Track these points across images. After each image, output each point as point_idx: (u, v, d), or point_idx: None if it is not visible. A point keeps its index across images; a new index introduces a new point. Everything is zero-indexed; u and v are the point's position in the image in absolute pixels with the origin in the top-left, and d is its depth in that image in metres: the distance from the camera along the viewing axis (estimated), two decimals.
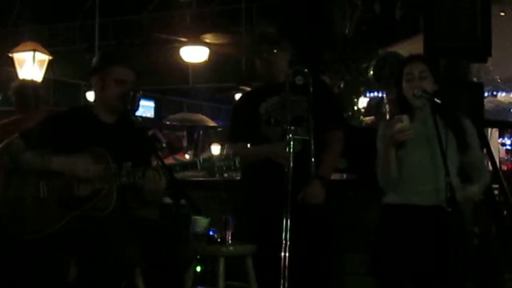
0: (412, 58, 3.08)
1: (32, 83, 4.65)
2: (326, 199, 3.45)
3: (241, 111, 3.67)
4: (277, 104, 3.49)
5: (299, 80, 3.38)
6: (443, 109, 2.90)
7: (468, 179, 3.02)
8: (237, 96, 10.89)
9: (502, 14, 6.80)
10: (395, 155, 2.94)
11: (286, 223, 3.20)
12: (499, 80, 7.16)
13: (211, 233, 3.61)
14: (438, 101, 2.85)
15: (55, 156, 2.95)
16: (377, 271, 3.01)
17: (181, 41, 9.72)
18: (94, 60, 3.24)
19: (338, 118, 3.72)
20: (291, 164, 3.26)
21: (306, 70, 3.41)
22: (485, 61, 4.78)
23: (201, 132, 12.05)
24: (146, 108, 14.55)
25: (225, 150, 3.83)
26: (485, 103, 4.50)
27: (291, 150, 3.27)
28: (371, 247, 3.02)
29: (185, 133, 11.57)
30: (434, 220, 2.88)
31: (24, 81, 5.02)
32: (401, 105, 3.05)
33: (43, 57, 6.97)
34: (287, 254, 3.18)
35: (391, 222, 2.98)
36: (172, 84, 13.53)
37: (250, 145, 3.50)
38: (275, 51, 3.49)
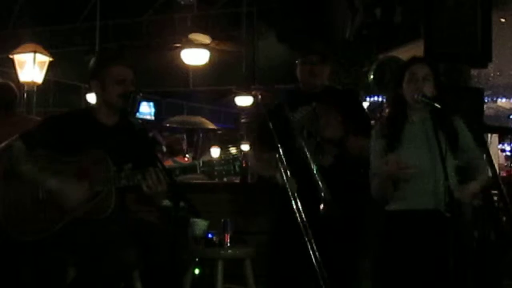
0: (417, 60, 3.07)
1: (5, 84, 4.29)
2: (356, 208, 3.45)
3: (270, 119, 3.42)
4: (308, 115, 3.49)
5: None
6: (441, 114, 2.90)
7: (467, 178, 3.01)
8: (237, 99, 10.89)
9: (503, 20, 6.81)
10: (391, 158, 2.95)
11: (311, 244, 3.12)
12: (499, 86, 7.17)
13: (209, 236, 3.61)
14: (438, 105, 2.85)
15: (50, 178, 2.95)
16: (379, 278, 3.01)
17: (181, 44, 9.71)
18: (91, 63, 3.25)
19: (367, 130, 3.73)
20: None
21: None
22: (485, 66, 4.78)
23: (201, 135, 12.06)
24: (146, 110, 14.55)
25: (248, 155, 3.81)
26: (485, 108, 4.50)
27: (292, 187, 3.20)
28: (374, 253, 3.02)
29: (184, 135, 11.57)
30: (432, 224, 2.88)
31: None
32: (398, 105, 3.04)
33: (44, 59, 6.95)
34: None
35: (394, 229, 2.98)
36: (172, 87, 13.52)
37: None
38: (324, 66, 3.58)
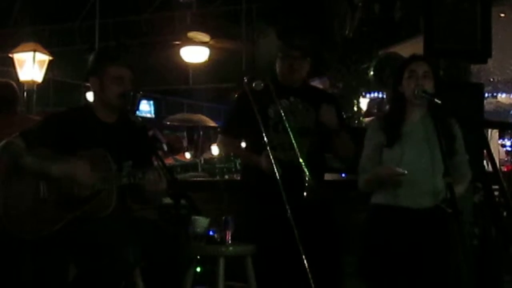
0: (417, 58, 3.09)
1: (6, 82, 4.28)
2: (329, 200, 3.47)
3: (246, 107, 3.47)
4: (286, 109, 3.48)
5: (257, 85, 3.37)
6: (440, 111, 2.91)
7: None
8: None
9: (502, 15, 6.80)
10: (391, 155, 2.96)
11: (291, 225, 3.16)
12: (499, 82, 7.16)
13: (210, 233, 3.61)
14: (438, 101, 2.85)
15: (54, 163, 2.94)
16: (365, 274, 3.00)
17: (181, 42, 9.71)
18: (89, 62, 3.25)
19: (345, 126, 3.76)
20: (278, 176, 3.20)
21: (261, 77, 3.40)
22: (485, 62, 4.77)
23: (201, 133, 12.04)
24: (146, 109, 14.55)
25: (217, 140, 3.85)
26: (485, 104, 4.49)
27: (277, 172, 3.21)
28: (359, 248, 3.02)
29: (185, 133, 11.56)
30: (432, 221, 2.88)
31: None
32: (398, 102, 3.04)
33: (43, 58, 6.97)
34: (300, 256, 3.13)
35: (381, 224, 2.97)
36: (172, 85, 13.52)
37: (252, 146, 3.50)
38: (304, 61, 3.56)
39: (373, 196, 3.05)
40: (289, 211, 3.02)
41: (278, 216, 3.15)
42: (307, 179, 3.16)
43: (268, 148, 3.17)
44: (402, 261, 2.86)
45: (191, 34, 9.65)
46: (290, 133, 3.28)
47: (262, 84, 3.29)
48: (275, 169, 3.10)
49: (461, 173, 3.03)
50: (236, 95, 3.72)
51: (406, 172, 2.83)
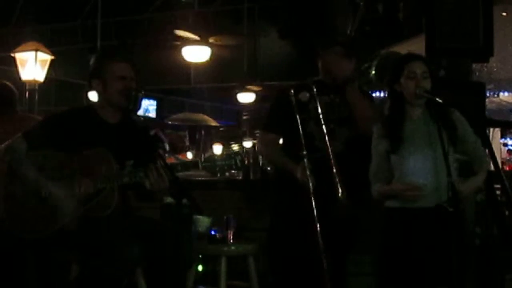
0: (414, 57, 3.07)
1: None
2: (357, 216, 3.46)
3: (287, 103, 3.38)
4: (324, 104, 3.47)
5: (303, 96, 3.34)
6: (439, 109, 2.90)
7: (470, 173, 3.01)
8: (239, 96, 10.89)
9: (504, 14, 6.78)
10: (397, 160, 2.96)
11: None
12: (501, 80, 7.15)
13: (212, 232, 3.62)
14: (440, 100, 2.85)
15: (48, 183, 2.95)
16: (383, 275, 3.00)
17: (183, 41, 9.69)
18: (92, 62, 3.26)
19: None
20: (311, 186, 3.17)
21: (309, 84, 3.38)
22: (487, 61, 4.76)
23: (202, 132, 12.06)
24: (148, 108, 14.55)
25: (258, 138, 3.81)
26: (487, 103, 4.48)
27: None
28: (376, 251, 3.02)
29: (186, 133, 11.58)
30: (435, 220, 2.88)
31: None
32: (397, 102, 3.03)
33: (45, 57, 6.95)
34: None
35: (395, 226, 2.98)
36: (174, 84, 13.52)
37: (288, 140, 3.48)
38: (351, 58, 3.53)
39: (386, 200, 3.05)
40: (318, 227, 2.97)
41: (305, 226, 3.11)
42: (340, 195, 3.08)
43: (305, 160, 3.14)
44: (416, 261, 2.87)
45: (180, 33, 9.60)
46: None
47: (308, 95, 3.27)
48: (310, 182, 3.06)
49: (478, 156, 3.03)
50: (277, 94, 3.71)
51: (423, 185, 2.84)
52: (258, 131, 3.76)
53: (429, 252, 2.86)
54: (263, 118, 3.88)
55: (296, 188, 3.22)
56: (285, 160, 3.42)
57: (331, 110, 3.47)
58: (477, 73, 5.52)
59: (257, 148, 3.62)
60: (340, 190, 3.09)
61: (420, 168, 2.91)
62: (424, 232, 2.89)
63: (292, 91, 3.19)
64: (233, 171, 4.78)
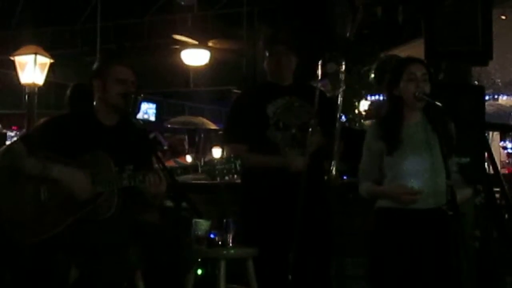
0: (414, 60, 3.07)
1: None
2: (328, 202, 3.48)
3: (243, 110, 3.55)
4: (283, 108, 3.47)
5: (330, 68, 3.34)
6: (438, 113, 2.90)
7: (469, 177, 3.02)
8: None
9: (503, 17, 6.80)
10: (392, 161, 2.95)
11: (297, 226, 3.19)
12: (500, 84, 7.16)
13: (212, 236, 3.60)
14: (439, 104, 2.84)
15: (56, 165, 2.94)
16: (375, 277, 3.00)
17: (182, 44, 9.71)
18: (94, 64, 3.26)
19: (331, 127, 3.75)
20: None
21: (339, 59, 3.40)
22: (486, 64, 4.77)
23: (202, 135, 12.04)
24: (147, 111, 14.56)
25: (224, 152, 3.82)
26: (486, 106, 4.48)
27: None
28: (368, 252, 3.02)
29: (186, 136, 11.57)
30: (433, 223, 2.87)
31: None
32: (395, 105, 3.02)
33: (45, 60, 6.96)
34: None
35: (387, 227, 2.96)
36: (173, 87, 13.54)
37: (254, 148, 3.48)
38: (291, 55, 3.53)
39: (378, 200, 3.04)
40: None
41: (280, 218, 3.18)
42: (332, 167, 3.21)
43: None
44: (412, 263, 2.86)
45: (177, 36, 9.61)
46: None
47: (335, 66, 3.28)
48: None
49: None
50: (233, 99, 3.74)
51: (421, 192, 2.83)
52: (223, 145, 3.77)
53: (426, 254, 2.85)
54: (223, 130, 3.90)
55: (265, 189, 3.38)
56: (267, 158, 3.43)
57: (289, 114, 3.47)
58: (476, 77, 5.52)
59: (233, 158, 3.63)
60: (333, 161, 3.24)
61: (417, 170, 2.90)
62: (419, 233, 2.88)
63: (320, 62, 3.22)
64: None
